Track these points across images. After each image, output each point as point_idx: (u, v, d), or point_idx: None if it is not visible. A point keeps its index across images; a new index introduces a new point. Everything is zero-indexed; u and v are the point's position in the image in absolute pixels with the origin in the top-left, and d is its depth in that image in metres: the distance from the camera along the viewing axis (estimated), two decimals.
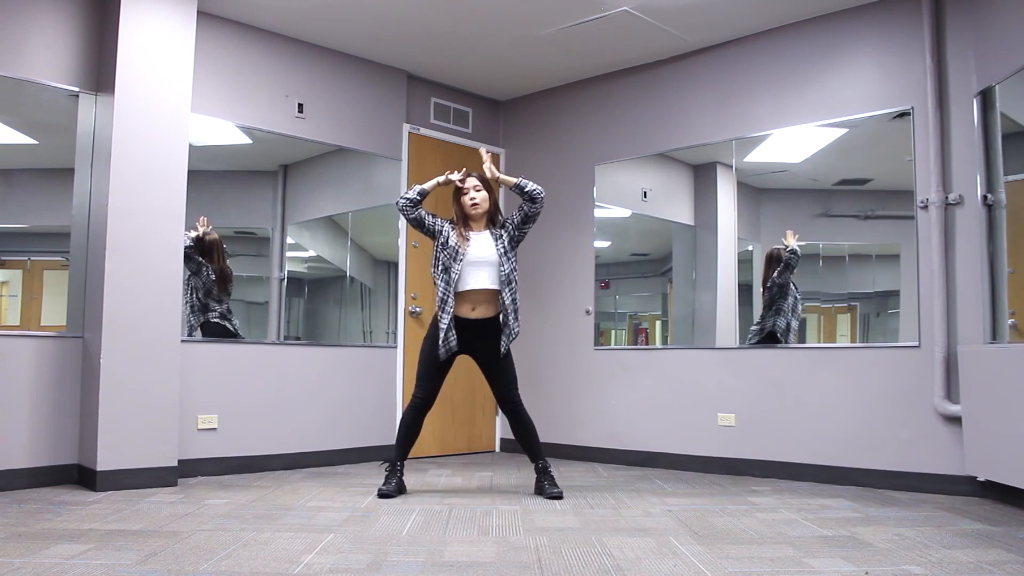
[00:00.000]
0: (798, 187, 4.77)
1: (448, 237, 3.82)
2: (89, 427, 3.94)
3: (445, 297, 3.77)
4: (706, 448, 4.79)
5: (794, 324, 4.60)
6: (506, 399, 3.88)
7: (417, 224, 3.88)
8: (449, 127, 5.78)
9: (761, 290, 4.72)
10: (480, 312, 3.83)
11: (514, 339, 3.87)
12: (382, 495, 3.73)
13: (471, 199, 3.86)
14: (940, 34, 4.13)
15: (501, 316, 3.87)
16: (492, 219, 3.93)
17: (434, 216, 3.90)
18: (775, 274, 4.63)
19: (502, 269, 3.81)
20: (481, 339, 3.85)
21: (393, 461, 3.89)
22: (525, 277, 5.69)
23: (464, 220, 3.89)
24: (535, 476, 3.92)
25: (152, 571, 2.41)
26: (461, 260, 3.78)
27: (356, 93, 5.25)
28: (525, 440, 3.91)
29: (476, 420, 5.80)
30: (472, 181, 3.88)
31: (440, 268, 3.81)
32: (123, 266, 3.96)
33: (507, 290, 3.82)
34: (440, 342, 3.77)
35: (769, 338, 4.64)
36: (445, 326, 3.76)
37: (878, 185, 4.47)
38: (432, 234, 3.87)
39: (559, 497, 3.74)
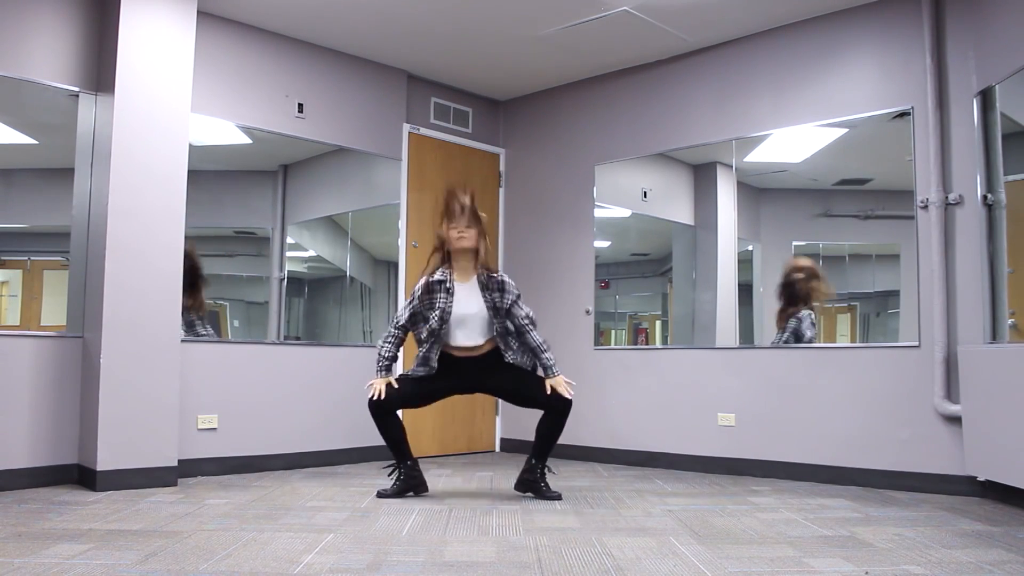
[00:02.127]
0: (798, 187, 4.77)
1: (428, 300, 3.71)
2: (89, 427, 3.94)
3: (428, 355, 3.70)
4: (706, 448, 4.79)
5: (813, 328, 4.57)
6: (560, 399, 3.66)
7: (412, 328, 3.82)
8: (449, 127, 5.78)
9: (776, 318, 4.63)
10: (475, 352, 3.72)
11: (554, 364, 3.73)
12: (381, 495, 3.75)
13: (459, 233, 3.67)
14: (940, 34, 4.13)
15: (509, 358, 3.71)
16: (483, 264, 3.74)
17: (411, 308, 3.77)
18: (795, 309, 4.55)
19: (494, 324, 3.67)
20: (484, 372, 3.73)
21: (401, 466, 3.84)
22: (525, 277, 5.68)
23: (448, 260, 3.74)
24: (535, 473, 3.79)
25: (152, 571, 2.41)
26: (447, 318, 3.65)
27: (356, 93, 5.25)
28: (549, 437, 3.73)
29: (476, 420, 5.79)
30: (463, 220, 3.68)
31: (425, 330, 3.69)
32: (123, 266, 3.96)
33: (510, 339, 3.69)
34: (418, 367, 3.73)
35: (797, 339, 4.58)
36: (421, 374, 3.72)
37: (878, 185, 4.47)
38: (417, 308, 3.76)
39: (558, 498, 3.72)
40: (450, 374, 3.76)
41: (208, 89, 4.54)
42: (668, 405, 5.00)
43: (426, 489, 3.85)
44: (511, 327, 3.73)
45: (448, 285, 3.71)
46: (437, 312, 3.65)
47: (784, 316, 4.59)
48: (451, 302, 3.68)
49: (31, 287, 4.16)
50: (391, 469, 3.85)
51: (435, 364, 3.71)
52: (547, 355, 3.72)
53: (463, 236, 3.68)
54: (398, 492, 3.77)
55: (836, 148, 4.53)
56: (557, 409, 3.68)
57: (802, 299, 4.55)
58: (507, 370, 3.74)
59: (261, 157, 4.91)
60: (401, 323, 3.82)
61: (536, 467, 3.78)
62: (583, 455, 5.35)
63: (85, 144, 4.14)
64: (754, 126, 4.77)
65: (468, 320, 3.68)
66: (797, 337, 4.52)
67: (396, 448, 3.81)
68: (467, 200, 3.69)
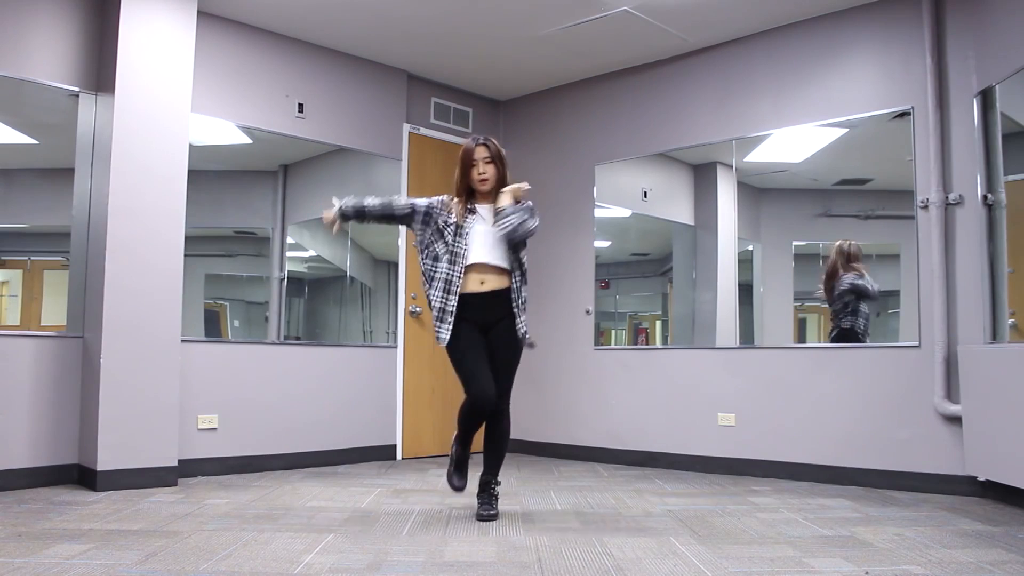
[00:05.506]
0: (798, 187, 4.77)
1: (447, 216, 3.35)
2: (89, 427, 3.94)
3: (450, 278, 3.29)
4: (706, 448, 4.79)
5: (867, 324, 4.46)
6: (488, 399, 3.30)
7: (404, 220, 3.40)
8: (449, 127, 5.77)
9: (822, 288, 4.51)
10: (491, 284, 3.32)
11: (525, 330, 3.38)
12: (453, 487, 3.37)
13: (480, 173, 3.35)
14: (940, 34, 4.13)
15: (515, 306, 3.37)
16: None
17: (427, 203, 3.39)
18: (861, 285, 4.42)
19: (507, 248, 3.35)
20: (494, 315, 3.33)
21: (455, 446, 3.39)
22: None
23: (470, 193, 3.40)
24: (478, 488, 3.42)
25: (152, 571, 2.41)
26: (467, 235, 3.32)
27: (356, 93, 5.25)
28: (491, 449, 3.40)
29: None
30: (482, 152, 3.36)
31: (443, 251, 3.32)
32: (123, 266, 3.96)
33: (516, 275, 3.37)
34: (440, 324, 3.29)
35: (845, 335, 4.44)
36: (452, 307, 3.27)
37: (878, 185, 4.47)
38: (425, 221, 3.37)
39: (490, 519, 3.28)
40: (474, 315, 3.33)
41: (208, 89, 4.54)
42: (668, 405, 5.00)
43: (461, 484, 3.41)
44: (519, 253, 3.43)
45: (470, 206, 3.39)
46: (452, 228, 3.33)
47: (835, 273, 4.48)
48: (472, 219, 3.36)
49: (31, 287, 4.16)
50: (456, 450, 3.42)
51: (454, 304, 3.30)
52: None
53: (484, 177, 3.36)
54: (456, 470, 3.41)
55: (836, 148, 4.53)
56: (495, 412, 3.34)
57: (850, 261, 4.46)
58: (509, 338, 3.36)
59: (261, 157, 4.91)
60: (405, 205, 3.40)
61: (484, 481, 3.43)
62: (583, 455, 5.35)
63: (85, 144, 4.14)
64: (754, 126, 4.77)
65: (485, 237, 3.33)
66: (861, 294, 4.41)
67: (466, 442, 3.40)
68: (489, 141, 3.42)
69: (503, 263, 3.34)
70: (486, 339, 3.35)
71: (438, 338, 3.33)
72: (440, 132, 5.72)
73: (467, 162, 3.38)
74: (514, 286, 3.37)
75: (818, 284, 4.56)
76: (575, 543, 2.84)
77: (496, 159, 3.39)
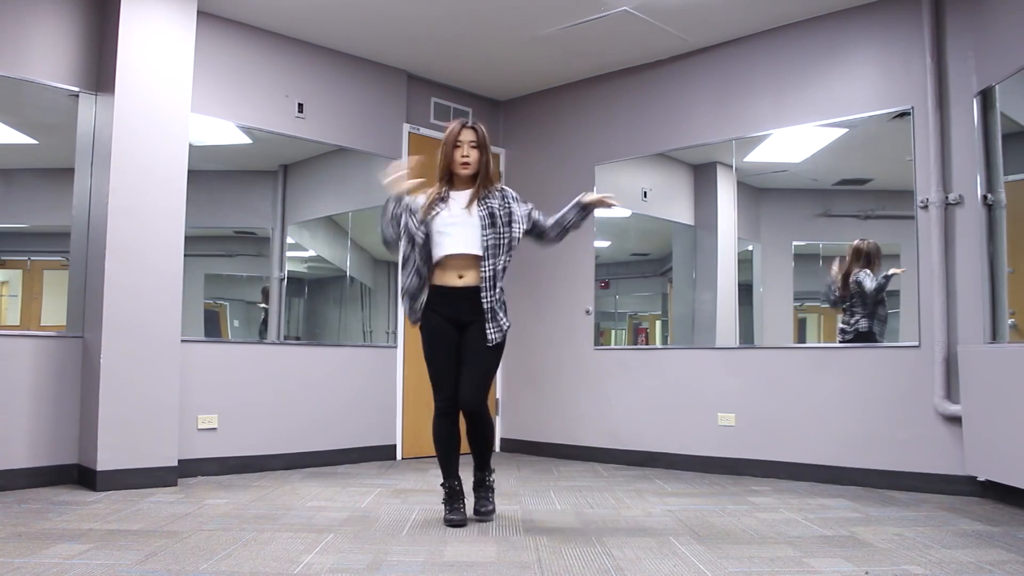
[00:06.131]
0: (798, 187, 4.77)
1: (415, 207, 3.21)
2: (89, 427, 3.94)
3: (422, 271, 3.18)
4: (706, 448, 4.79)
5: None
6: (461, 400, 3.20)
7: (403, 234, 3.23)
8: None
9: (839, 284, 4.44)
10: (469, 280, 3.17)
11: (505, 331, 3.20)
12: (451, 524, 3.15)
13: (464, 156, 3.23)
14: (940, 34, 4.13)
15: (485, 300, 3.16)
16: (482, 183, 3.25)
17: (404, 206, 3.24)
18: (883, 282, 4.35)
19: (484, 235, 3.15)
20: (471, 313, 3.17)
21: (445, 484, 3.28)
22: (525, 276, 5.69)
23: (448, 178, 3.29)
24: (473, 485, 3.38)
25: (152, 571, 2.41)
26: (431, 220, 3.18)
27: (356, 93, 5.25)
28: (477, 447, 3.34)
29: None
30: (468, 135, 3.25)
31: (408, 241, 3.19)
32: (123, 266, 3.96)
33: (489, 264, 3.15)
34: (410, 309, 3.21)
35: (862, 337, 4.39)
36: (422, 303, 3.18)
37: (878, 185, 4.47)
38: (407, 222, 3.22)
39: (488, 514, 3.29)
40: (450, 311, 3.21)
41: (208, 89, 4.54)
42: (668, 405, 5.00)
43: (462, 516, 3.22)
44: (513, 240, 3.23)
45: (444, 193, 3.27)
46: (418, 217, 3.20)
47: (850, 272, 4.42)
48: (440, 208, 3.21)
49: (31, 287, 4.16)
50: (445, 492, 3.29)
51: (424, 300, 3.20)
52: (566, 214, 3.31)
53: (467, 160, 3.24)
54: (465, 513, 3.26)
55: (836, 148, 4.53)
56: (465, 408, 3.22)
57: (863, 259, 4.42)
58: (481, 337, 3.17)
59: (261, 157, 4.91)
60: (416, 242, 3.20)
61: (478, 479, 3.38)
62: (583, 455, 5.35)
63: (85, 144, 4.14)
64: (754, 126, 4.77)
65: (458, 227, 3.18)
66: (864, 291, 4.36)
67: (450, 461, 3.31)
68: (477, 126, 3.32)
69: (480, 252, 3.16)
70: (462, 336, 3.21)
71: (413, 320, 3.25)
72: (440, 132, 5.69)
73: (451, 143, 3.26)
74: (487, 280, 3.16)
75: (835, 287, 4.49)
76: (575, 543, 2.84)
77: (482, 146, 3.27)
